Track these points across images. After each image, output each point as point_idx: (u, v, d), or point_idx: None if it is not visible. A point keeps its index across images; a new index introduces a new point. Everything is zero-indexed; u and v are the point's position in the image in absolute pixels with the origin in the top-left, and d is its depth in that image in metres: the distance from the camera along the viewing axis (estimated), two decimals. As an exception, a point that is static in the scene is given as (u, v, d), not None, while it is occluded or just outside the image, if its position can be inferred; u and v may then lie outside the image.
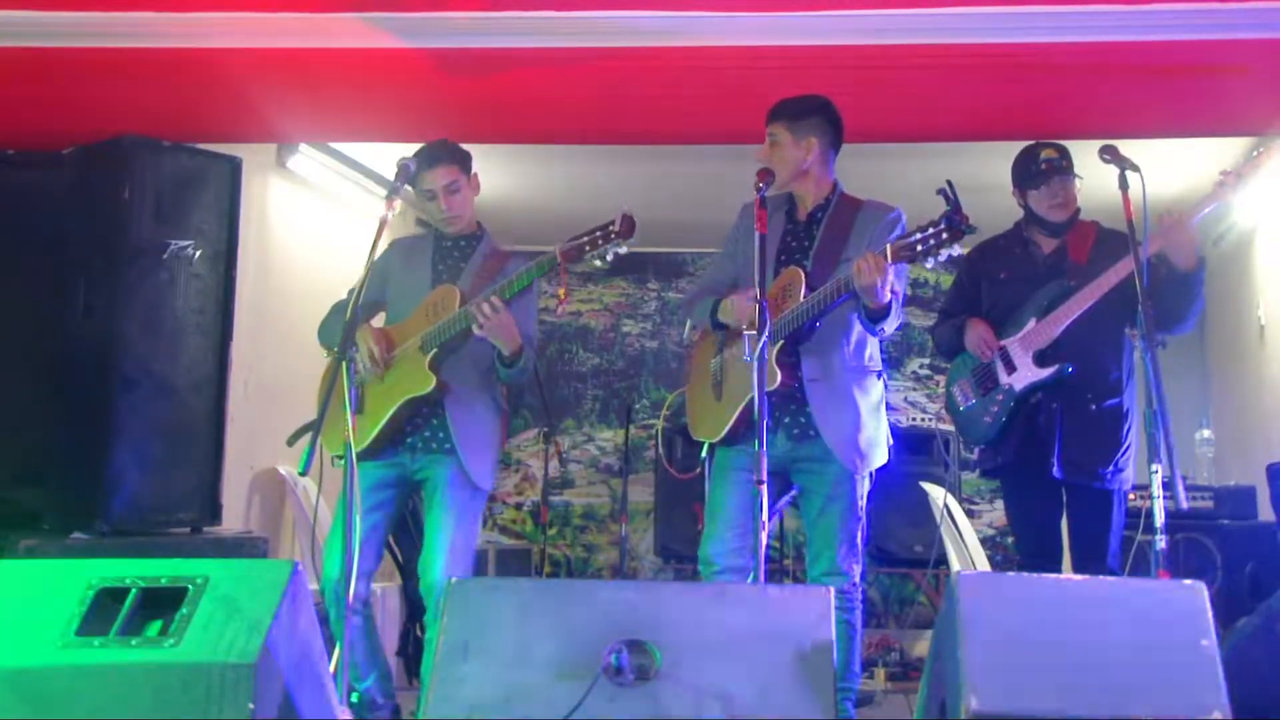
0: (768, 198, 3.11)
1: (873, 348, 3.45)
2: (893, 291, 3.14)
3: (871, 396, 3.40)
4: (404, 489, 3.71)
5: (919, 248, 3.02)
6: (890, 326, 3.26)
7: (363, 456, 3.53)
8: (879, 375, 3.46)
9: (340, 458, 3.36)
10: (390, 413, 3.56)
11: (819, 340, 3.33)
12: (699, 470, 3.48)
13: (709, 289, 3.60)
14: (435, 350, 3.54)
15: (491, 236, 3.85)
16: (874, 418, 3.40)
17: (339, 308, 3.80)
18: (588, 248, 3.37)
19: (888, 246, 3.06)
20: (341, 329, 3.16)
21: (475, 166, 3.78)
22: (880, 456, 3.41)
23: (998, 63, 3.84)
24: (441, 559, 3.54)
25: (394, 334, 3.69)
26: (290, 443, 3.74)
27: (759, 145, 3.49)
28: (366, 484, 3.56)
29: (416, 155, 3.64)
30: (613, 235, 3.34)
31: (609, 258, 3.37)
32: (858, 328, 3.37)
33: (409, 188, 3.53)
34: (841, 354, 3.35)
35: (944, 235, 2.98)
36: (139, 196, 4.13)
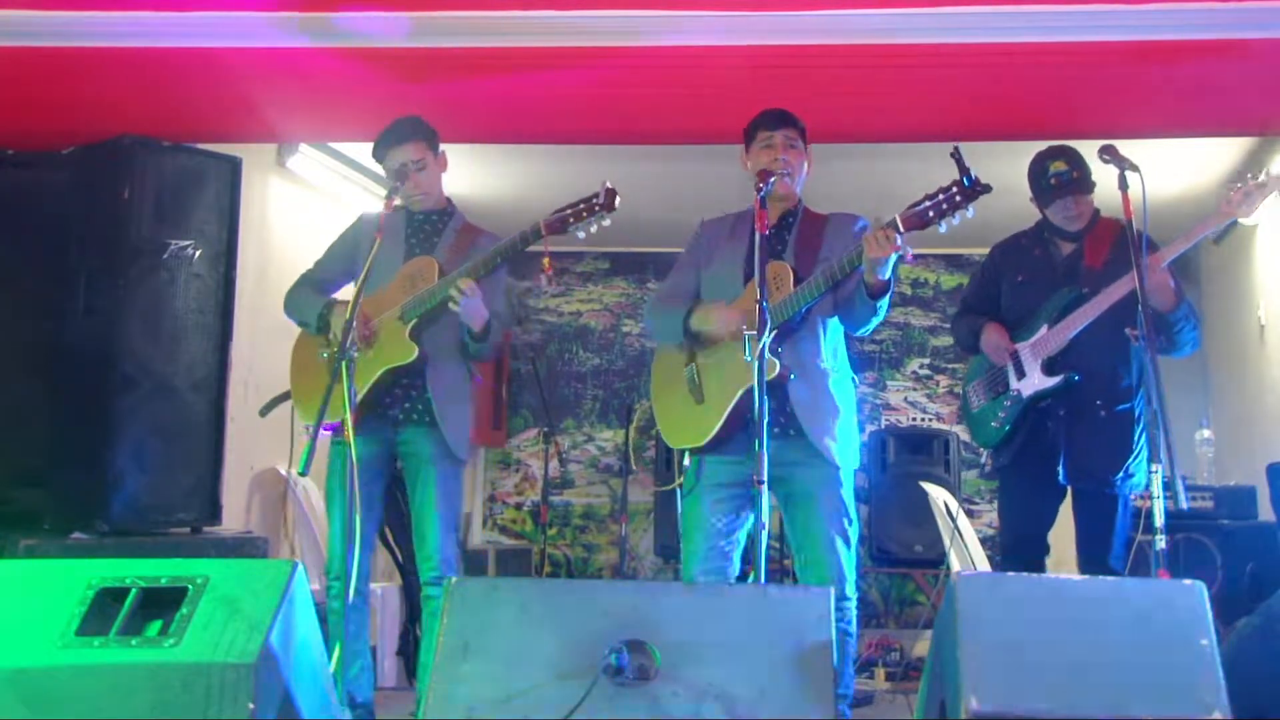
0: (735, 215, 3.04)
1: (844, 350, 3.45)
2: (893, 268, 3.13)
3: (848, 395, 3.40)
4: (388, 463, 3.75)
5: (930, 214, 3.01)
6: (884, 308, 3.24)
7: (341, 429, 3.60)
8: (852, 379, 3.46)
9: (310, 428, 3.39)
10: (370, 383, 3.59)
11: (797, 340, 3.32)
12: (679, 482, 3.43)
13: (674, 301, 3.55)
14: (415, 320, 3.59)
15: (461, 213, 3.87)
16: (851, 416, 3.40)
17: (305, 280, 3.85)
18: (571, 219, 3.44)
19: (897, 217, 3.05)
20: (308, 304, 3.12)
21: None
22: (858, 457, 3.40)
23: (996, 62, 3.84)
24: (436, 530, 3.61)
25: (369, 306, 3.67)
26: (262, 413, 3.78)
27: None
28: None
29: (383, 133, 3.70)
30: (596, 207, 3.41)
31: (593, 229, 3.44)
32: (831, 329, 3.38)
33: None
34: (818, 353, 3.35)
35: (957, 198, 2.98)
36: (139, 196, 4.14)
